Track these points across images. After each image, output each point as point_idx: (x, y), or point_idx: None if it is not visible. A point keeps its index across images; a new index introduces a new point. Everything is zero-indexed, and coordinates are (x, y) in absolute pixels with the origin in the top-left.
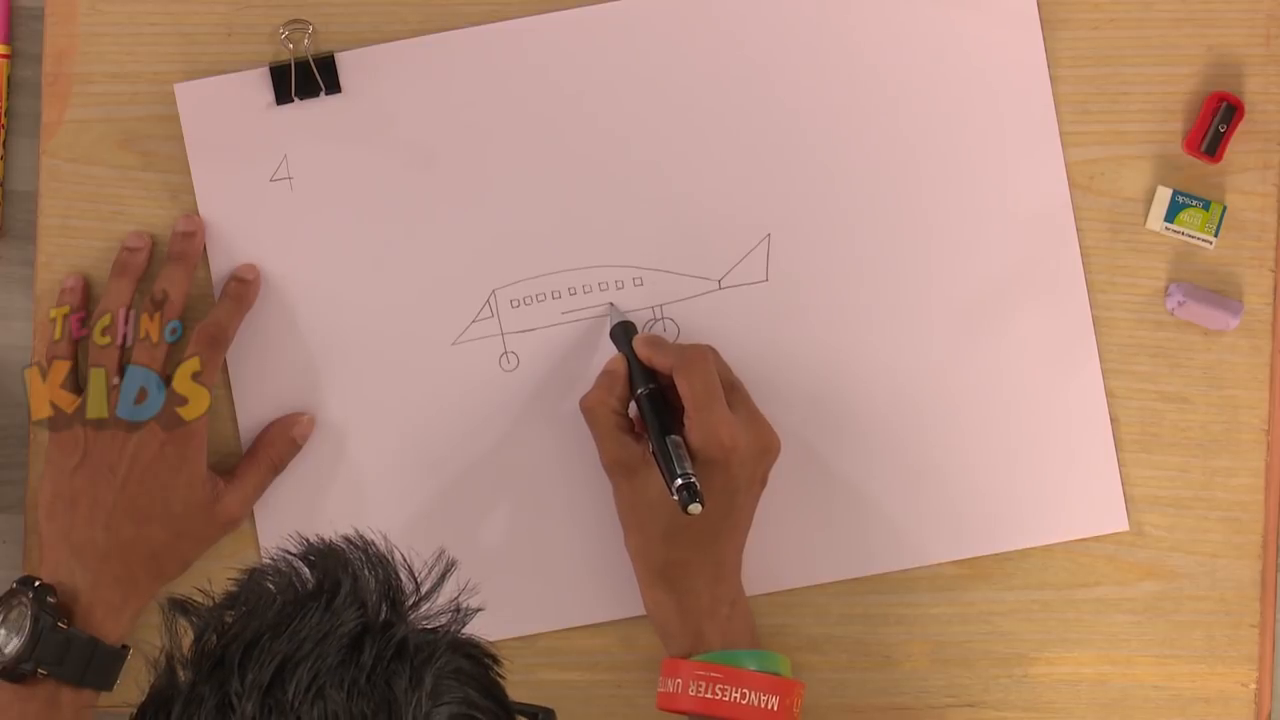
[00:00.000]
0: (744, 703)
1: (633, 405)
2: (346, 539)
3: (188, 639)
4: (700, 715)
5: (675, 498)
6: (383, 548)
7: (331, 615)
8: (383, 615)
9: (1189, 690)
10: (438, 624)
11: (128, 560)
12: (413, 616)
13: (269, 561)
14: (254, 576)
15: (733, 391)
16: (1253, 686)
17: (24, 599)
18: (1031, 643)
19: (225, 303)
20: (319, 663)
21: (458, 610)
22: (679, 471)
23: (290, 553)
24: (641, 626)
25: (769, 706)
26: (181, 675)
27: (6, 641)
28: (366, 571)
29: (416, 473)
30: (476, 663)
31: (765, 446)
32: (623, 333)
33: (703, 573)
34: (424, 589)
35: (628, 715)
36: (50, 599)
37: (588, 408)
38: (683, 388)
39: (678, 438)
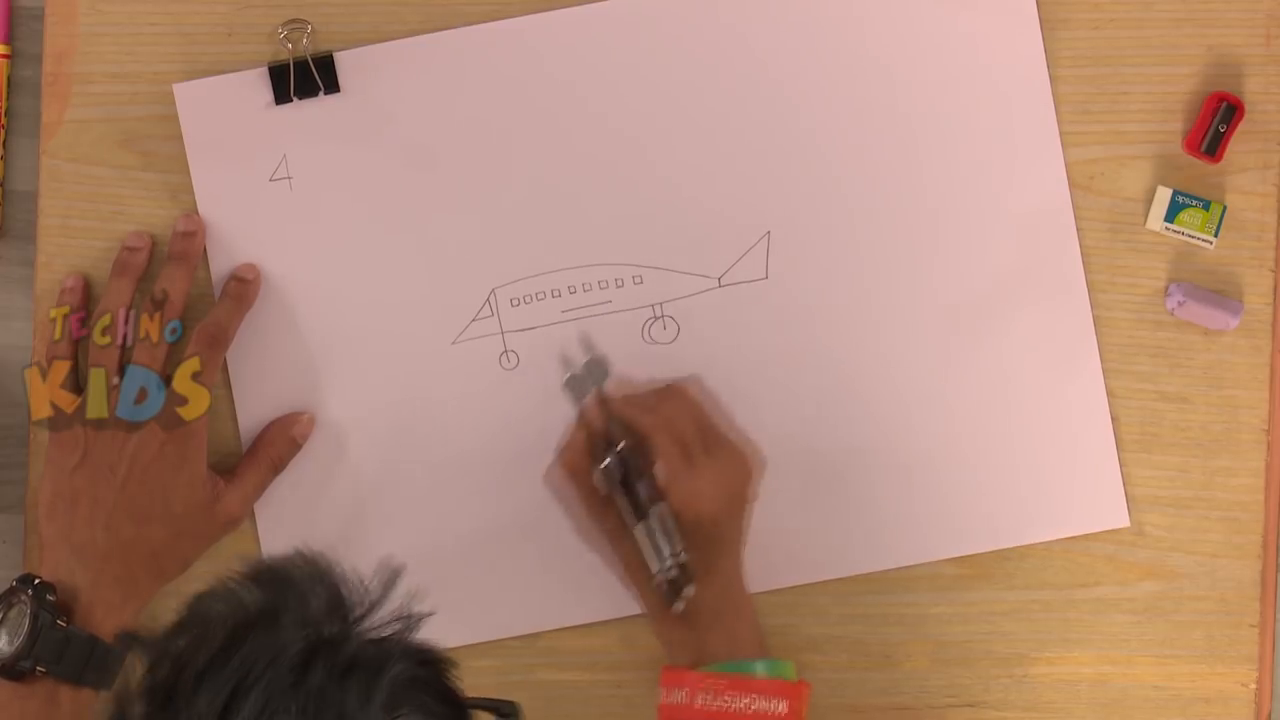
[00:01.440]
0: (753, 709)
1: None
2: (291, 556)
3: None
4: None
5: (659, 583)
6: (328, 561)
7: (279, 636)
8: (331, 631)
9: (1189, 690)
10: (388, 633)
11: (128, 560)
12: (361, 629)
13: (214, 586)
14: (200, 602)
15: (707, 433)
16: (1253, 686)
17: (23, 597)
18: (1031, 643)
19: (225, 302)
20: (271, 685)
21: (407, 617)
22: (660, 567)
23: (235, 576)
24: (641, 626)
25: (778, 711)
26: (136, 709)
27: (6, 639)
28: (312, 588)
29: (416, 472)
30: (431, 668)
31: (743, 480)
32: (593, 385)
33: (705, 590)
34: (370, 600)
35: (628, 715)
36: (50, 597)
37: (568, 470)
38: (656, 454)
39: (658, 510)
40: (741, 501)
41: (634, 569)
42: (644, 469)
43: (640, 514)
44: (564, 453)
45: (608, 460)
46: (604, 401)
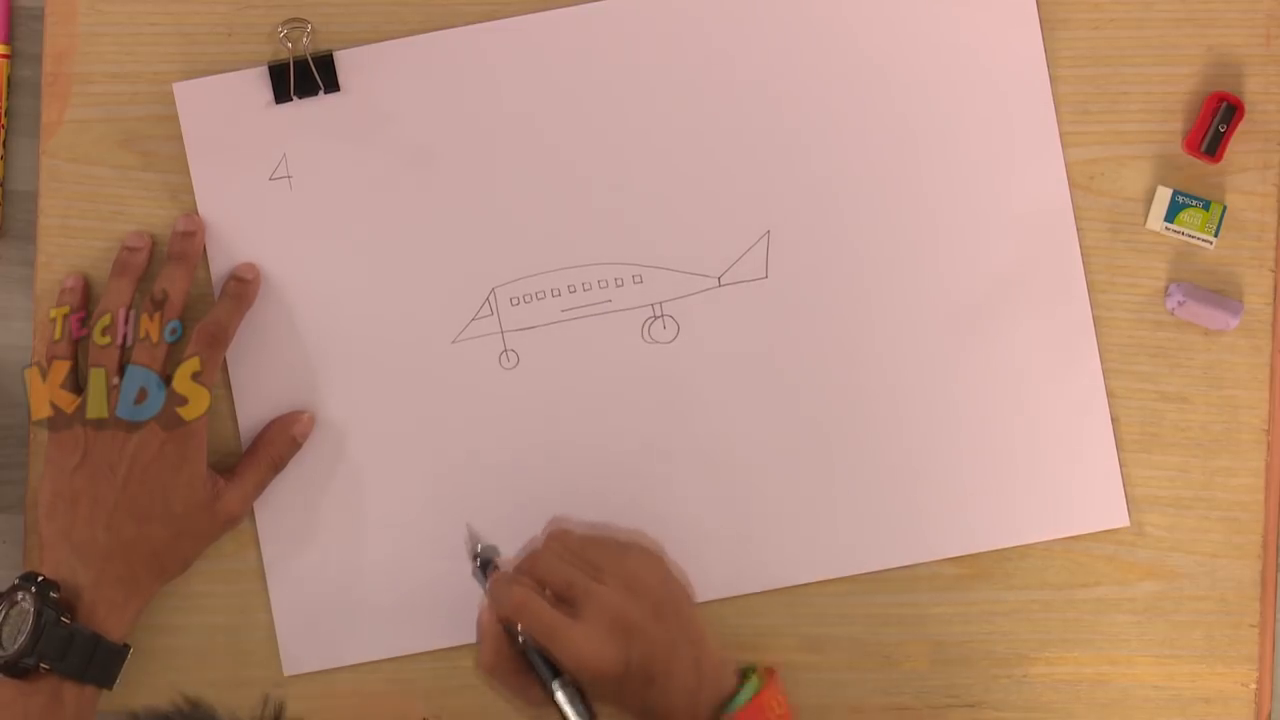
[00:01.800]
0: None
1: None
2: (173, 706)
3: None
4: None
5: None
6: (208, 709)
7: None
8: None
9: (1189, 690)
10: None
11: (129, 559)
12: None
13: None
14: None
15: (571, 589)
16: (1253, 686)
17: (27, 594)
18: (1031, 643)
19: (225, 302)
20: None
21: None
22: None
23: None
24: None
25: None
26: None
27: (9, 636)
28: None
29: (416, 471)
30: None
31: (643, 584)
32: (489, 566)
33: (672, 694)
34: None
35: (627, 715)
36: (53, 594)
37: (488, 672)
38: (529, 633)
39: (563, 680)
40: (658, 577)
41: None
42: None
43: (550, 695)
44: (487, 639)
45: (521, 639)
46: (483, 605)
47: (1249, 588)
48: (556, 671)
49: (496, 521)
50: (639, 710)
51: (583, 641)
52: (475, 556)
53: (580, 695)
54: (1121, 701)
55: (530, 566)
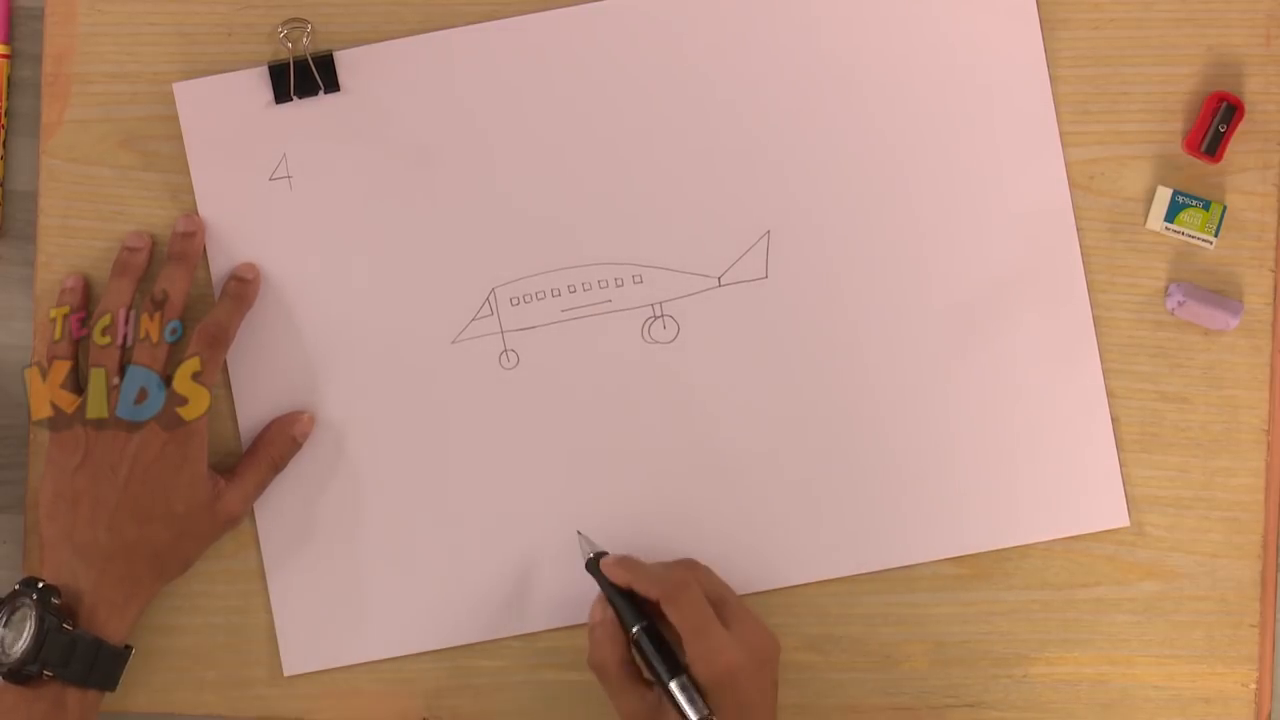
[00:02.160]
0: None
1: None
2: None
3: None
4: None
5: None
6: None
7: None
8: None
9: (1189, 690)
10: None
11: (131, 560)
12: None
13: None
14: None
15: (723, 606)
16: (1253, 686)
17: (28, 601)
18: (1031, 643)
19: (225, 302)
20: None
21: None
22: (693, 717)
23: None
24: None
25: None
26: None
27: (11, 643)
28: None
29: (416, 471)
30: None
31: (766, 657)
32: (598, 568)
33: None
34: None
35: None
36: (54, 600)
37: (598, 667)
38: (673, 617)
39: (684, 678)
40: (769, 669)
41: None
42: (662, 644)
43: (664, 686)
44: (598, 630)
45: (644, 623)
46: (627, 567)
47: (1249, 588)
48: (674, 670)
49: (497, 520)
50: None
51: (730, 646)
52: (589, 556)
53: (699, 694)
54: (1121, 701)
55: (670, 569)
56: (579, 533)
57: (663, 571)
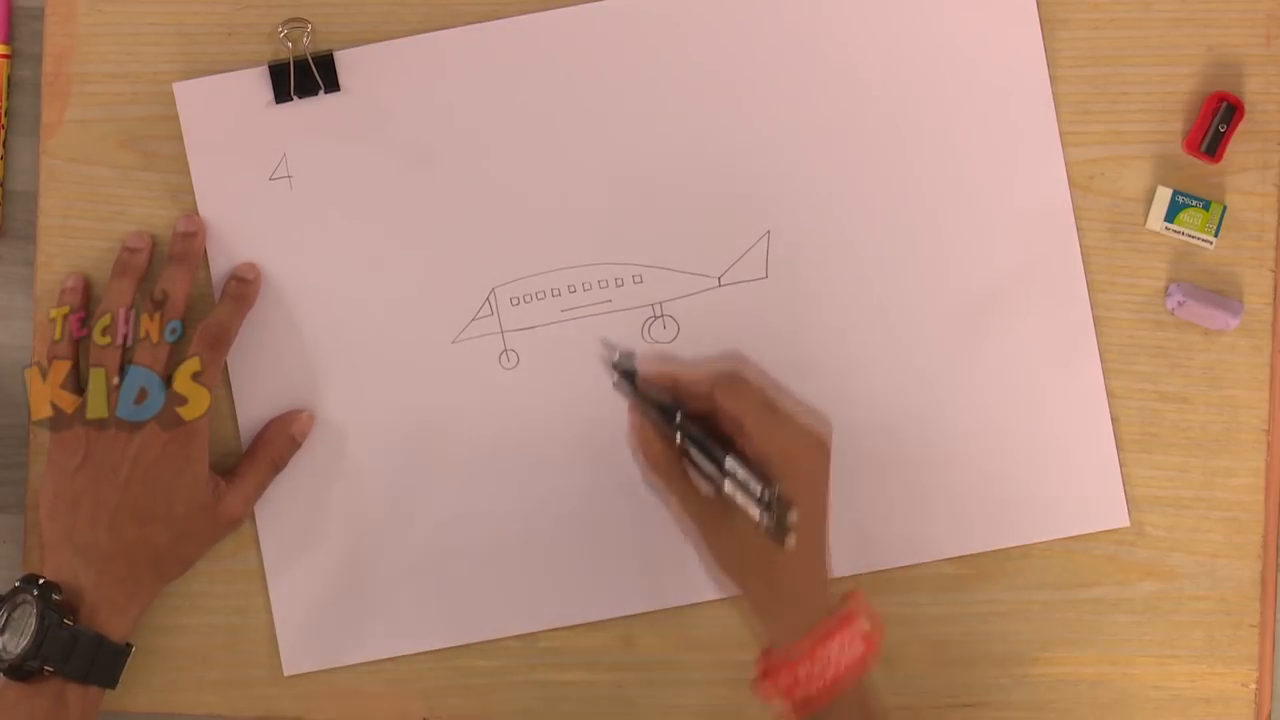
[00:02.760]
0: (844, 653)
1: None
2: None
3: None
4: (819, 702)
5: (761, 521)
6: None
7: None
8: None
9: (1189, 690)
10: None
11: (131, 560)
12: None
13: None
14: None
15: (776, 393)
16: (1253, 686)
17: (29, 596)
18: (1031, 643)
19: (226, 303)
20: None
21: None
22: (762, 497)
23: None
24: (641, 626)
25: (864, 629)
26: None
27: (12, 639)
28: None
29: (416, 471)
30: None
31: (824, 442)
32: (628, 360)
33: (808, 588)
34: None
35: (628, 715)
36: (55, 596)
37: (656, 465)
38: (730, 405)
39: (740, 456)
40: (828, 455)
41: (741, 538)
42: (711, 430)
43: (720, 469)
44: (641, 432)
45: (684, 417)
46: (673, 362)
47: (1249, 588)
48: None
49: (497, 520)
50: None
51: (793, 427)
52: (615, 366)
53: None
54: (1121, 701)
55: (733, 358)
56: (603, 339)
57: (712, 365)
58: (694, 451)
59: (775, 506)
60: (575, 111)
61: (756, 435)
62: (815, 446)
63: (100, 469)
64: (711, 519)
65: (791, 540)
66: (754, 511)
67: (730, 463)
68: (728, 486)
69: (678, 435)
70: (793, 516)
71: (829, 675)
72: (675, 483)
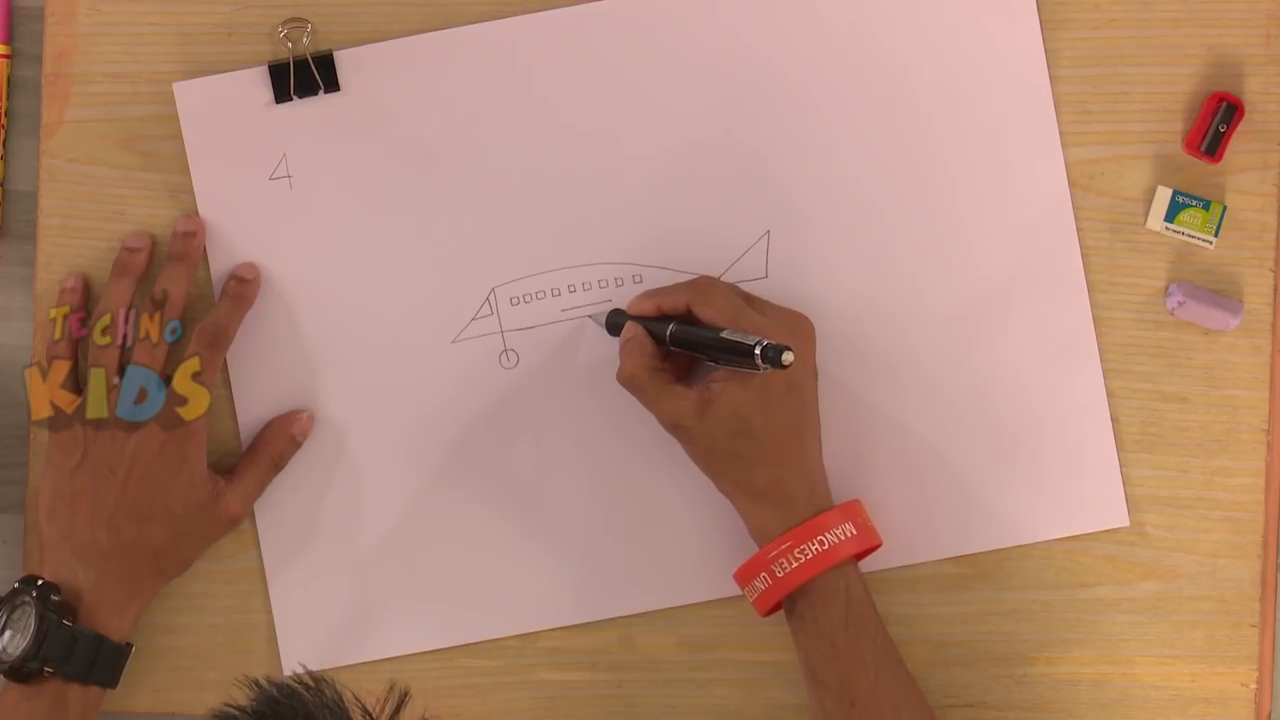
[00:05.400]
0: (828, 544)
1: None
2: (297, 680)
3: None
4: (803, 587)
5: (762, 367)
6: (335, 688)
7: None
8: None
9: (1189, 690)
10: None
11: (130, 560)
12: None
13: (228, 711)
14: None
15: (751, 300)
16: (1253, 686)
17: (28, 598)
18: (1031, 643)
19: (225, 302)
20: None
21: None
22: (751, 342)
23: (244, 708)
24: (641, 626)
25: (849, 534)
26: None
27: (12, 640)
28: (322, 715)
29: (416, 471)
30: None
31: (805, 334)
32: (618, 314)
33: (797, 483)
34: None
35: (628, 715)
36: (54, 597)
37: (629, 376)
38: (706, 315)
39: (724, 333)
40: (810, 347)
41: (722, 429)
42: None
43: (713, 345)
44: (629, 344)
45: (670, 328)
46: (648, 293)
47: (1249, 588)
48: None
49: (497, 520)
50: (764, 454)
51: (768, 325)
52: (609, 325)
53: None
54: (1121, 701)
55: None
56: (589, 317)
57: (683, 283)
58: (688, 338)
59: (769, 351)
60: (576, 111)
61: (738, 326)
62: (797, 319)
63: (98, 468)
64: (695, 412)
65: (789, 357)
66: (745, 351)
67: (725, 332)
68: (725, 355)
69: (668, 337)
70: (788, 357)
71: (803, 567)
72: (664, 385)
